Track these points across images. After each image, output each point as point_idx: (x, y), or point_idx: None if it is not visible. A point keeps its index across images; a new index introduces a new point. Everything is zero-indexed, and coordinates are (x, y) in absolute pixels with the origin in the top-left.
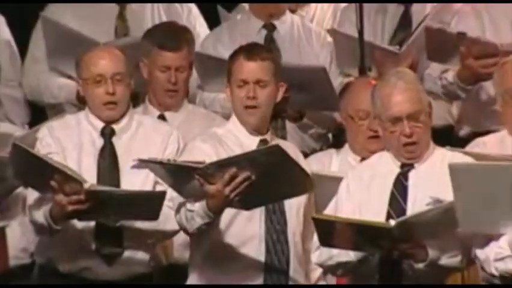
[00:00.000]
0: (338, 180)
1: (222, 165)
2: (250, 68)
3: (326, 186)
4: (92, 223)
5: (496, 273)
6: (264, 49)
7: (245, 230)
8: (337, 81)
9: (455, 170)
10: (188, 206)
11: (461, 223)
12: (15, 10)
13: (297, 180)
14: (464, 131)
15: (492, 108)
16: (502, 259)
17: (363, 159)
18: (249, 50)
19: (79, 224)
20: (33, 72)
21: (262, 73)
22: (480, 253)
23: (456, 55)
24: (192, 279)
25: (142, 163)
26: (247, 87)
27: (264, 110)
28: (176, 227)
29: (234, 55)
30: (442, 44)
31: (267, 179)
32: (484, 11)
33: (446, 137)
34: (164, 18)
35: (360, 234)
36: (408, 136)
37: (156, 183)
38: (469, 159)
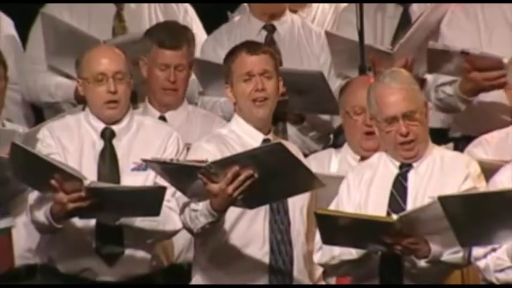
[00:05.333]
0: (338, 179)
1: (224, 163)
2: (255, 61)
3: (327, 187)
4: (93, 223)
5: (497, 282)
6: (262, 44)
7: (249, 230)
8: (336, 84)
9: (444, 202)
10: (193, 205)
11: (460, 242)
12: (13, 11)
13: (299, 178)
14: (456, 134)
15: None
16: (502, 270)
17: (362, 158)
18: (249, 46)
19: (79, 223)
20: (30, 72)
21: (267, 64)
22: (480, 262)
23: (458, 67)
24: (196, 279)
25: (146, 163)
26: (254, 80)
27: (272, 102)
28: (176, 228)
29: (233, 53)
30: (444, 61)
31: (270, 177)
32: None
33: (439, 138)
34: (161, 18)
35: (363, 229)
36: (405, 135)
37: (155, 184)
38: (466, 158)
